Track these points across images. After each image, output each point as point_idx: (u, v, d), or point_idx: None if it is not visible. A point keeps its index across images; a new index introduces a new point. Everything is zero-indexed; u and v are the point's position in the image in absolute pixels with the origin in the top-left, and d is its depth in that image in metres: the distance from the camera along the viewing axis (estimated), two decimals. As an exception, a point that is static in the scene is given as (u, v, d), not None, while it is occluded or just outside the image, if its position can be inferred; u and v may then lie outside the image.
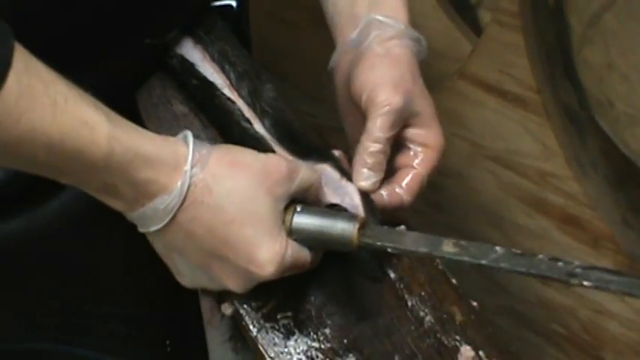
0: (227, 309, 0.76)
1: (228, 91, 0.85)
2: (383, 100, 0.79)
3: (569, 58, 1.19)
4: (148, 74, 0.89)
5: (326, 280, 0.77)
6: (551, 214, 1.28)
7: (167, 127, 0.86)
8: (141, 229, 0.70)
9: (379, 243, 0.71)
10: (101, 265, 0.91)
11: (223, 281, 0.71)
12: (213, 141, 0.83)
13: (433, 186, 1.45)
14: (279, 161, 0.72)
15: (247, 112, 0.84)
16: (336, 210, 0.75)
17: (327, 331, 0.74)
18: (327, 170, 0.78)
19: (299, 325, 0.74)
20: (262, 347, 0.74)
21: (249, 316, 0.75)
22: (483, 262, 0.67)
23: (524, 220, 1.31)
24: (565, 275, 0.66)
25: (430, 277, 0.79)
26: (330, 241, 0.72)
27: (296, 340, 0.74)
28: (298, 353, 0.73)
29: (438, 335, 0.76)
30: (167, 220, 0.68)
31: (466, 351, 0.75)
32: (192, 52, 0.87)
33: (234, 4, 0.96)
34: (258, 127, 0.83)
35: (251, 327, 0.74)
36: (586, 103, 1.19)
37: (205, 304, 0.89)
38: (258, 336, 0.74)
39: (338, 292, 0.76)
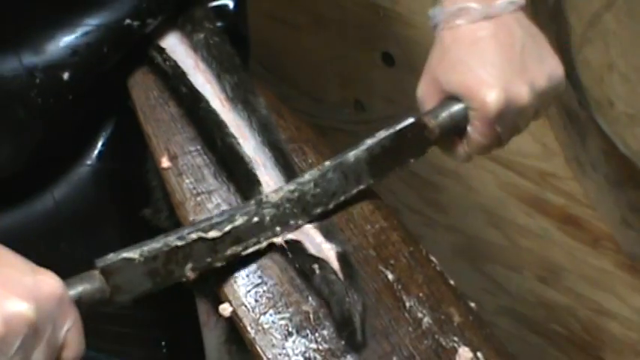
0: (225, 310, 0.76)
1: (218, 104, 0.85)
2: (484, 101, 0.78)
3: (569, 58, 1.19)
4: (134, 66, 0.88)
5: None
6: (551, 214, 1.28)
7: (165, 129, 0.86)
8: None
9: None
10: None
11: None
12: (202, 151, 0.83)
13: (433, 186, 1.46)
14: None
15: (236, 128, 0.83)
16: None
17: (325, 332, 0.74)
18: (311, 231, 0.77)
19: (297, 327, 0.74)
20: (260, 349, 0.74)
21: (247, 318, 0.75)
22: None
23: (524, 220, 1.31)
24: None
25: (428, 278, 0.79)
26: None
27: (294, 342, 0.74)
28: (296, 355, 0.73)
29: (436, 336, 0.76)
30: None
31: (464, 352, 0.75)
32: (185, 59, 0.87)
33: (230, 3, 0.96)
34: (248, 145, 0.82)
35: (249, 328, 0.74)
36: (586, 103, 1.19)
37: (202, 306, 0.89)
38: (256, 337, 0.74)
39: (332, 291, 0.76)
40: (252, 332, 0.74)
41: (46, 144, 0.85)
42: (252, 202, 0.76)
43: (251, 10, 1.01)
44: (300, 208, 0.77)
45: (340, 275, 0.74)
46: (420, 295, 0.78)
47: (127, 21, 0.84)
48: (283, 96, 1.49)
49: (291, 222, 0.76)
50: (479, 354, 0.75)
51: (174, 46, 0.88)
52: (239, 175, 0.81)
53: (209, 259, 0.73)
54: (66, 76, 0.82)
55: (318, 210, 0.78)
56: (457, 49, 0.80)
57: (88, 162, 0.88)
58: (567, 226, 1.27)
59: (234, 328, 0.76)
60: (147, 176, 0.87)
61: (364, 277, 0.77)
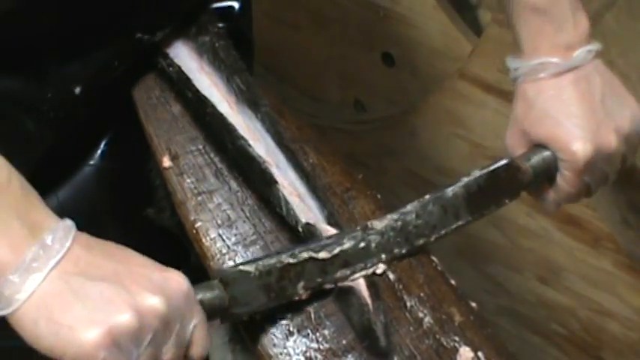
0: (227, 310, 0.76)
1: (226, 106, 0.85)
2: (573, 153, 0.81)
3: (569, 58, 1.19)
4: (140, 72, 0.89)
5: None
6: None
7: (166, 129, 0.86)
8: None
9: None
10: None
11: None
12: (203, 151, 0.84)
13: (433, 186, 1.45)
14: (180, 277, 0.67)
15: (246, 130, 0.83)
16: None
17: (326, 332, 0.75)
18: None
19: (298, 326, 0.74)
20: (261, 348, 0.74)
21: (248, 317, 0.75)
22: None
23: (524, 220, 1.31)
24: None
25: (429, 277, 0.79)
26: None
27: (295, 341, 0.74)
28: (297, 354, 0.73)
29: (437, 336, 0.76)
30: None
31: (465, 352, 0.75)
32: (189, 63, 0.87)
33: (236, 5, 0.95)
34: (258, 146, 0.83)
35: (250, 328, 0.74)
36: (586, 103, 1.19)
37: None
38: (258, 337, 0.74)
39: (336, 292, 0.76)
40: (253, 332, 0.74)
41: (52, 151, 0.85)
42: (358, 228, 0.77)
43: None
44: (403, 238, 0.79)
45: (369, 301, 0.75)
46: (421, 294, 0.78)
47: (138, 35, 0.85)
48: (283, 96, 1.50)
49: (396, 250, 0.78)
50: (480, 354, 0.75)
51: (178, 49, 0.88)
52: (254, 177, 0.81)
53: (319, 280, 0.75)
54: (77, 90, 0.83)
55: (421, 241, 0.80)
56: (542, 102, 0.82)
57: (91, 162, 0.89)
58: (567, 226, 1.27)
59: (237, 327, 0.76)
60: (149, 176, 0.88)
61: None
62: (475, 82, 1.29)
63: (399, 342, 0.75)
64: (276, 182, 0.80)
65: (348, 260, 0.76)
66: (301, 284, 0.74)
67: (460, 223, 0.81)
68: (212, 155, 0.84)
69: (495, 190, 0.83)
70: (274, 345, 0.74)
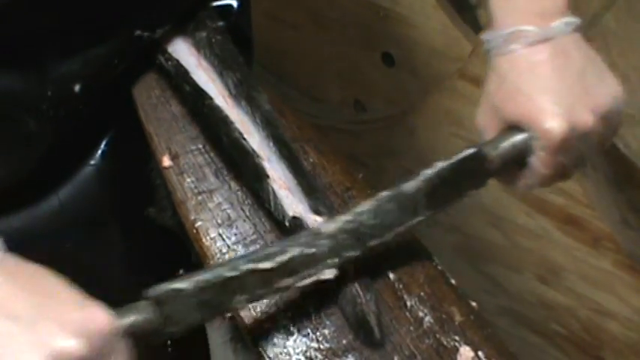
0: (227, 309, 0.76)
1: (222, 100, 0.85)
2: (547, 130, 0.75)
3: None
4: (140, 70, 0.89)
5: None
6: (551, 214, 1.28)
7: (166, 128, 0.86)
8: None
9: None
10: (100, 265, 0.91)
11: None
12: (203, 150, 0.83)
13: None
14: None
15: (240, 124, 0.83)
16: None
17: (326, 331, 0.74)
18: None
19: (298, 326, 0.74)
20: (261, 348, 0.74)
21: (249, 317, 0.75)
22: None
23: (524, 220, 1.31)
24: None
25: (429, 277, 0.79)
26: None
27: (295, 341, 0.74)
28: (297, 354, 0.73)
29: (437, 336, 0.76)
30: None
31: (465, 351, 0.75)
32: (187, 58, 0.87)
33: (234, 3, 0.95)
34: (252, 139, 0.82)
35: (250, 328, 0.74)
36: (586, 103, 1.19)
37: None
38: (258, 336, 0.74)
39: (336, 292, 0.76)
40: (253, 331, 0.74)
41: (53, 150, 0.85)
42: (307, 233, 0.74)
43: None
44: (355, 239, 0.74)
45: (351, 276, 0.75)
46: (422, 294, 0.78)
47: (138, 32, 0.84)
48: (283, 96, 1.50)
49: (347, 254, 0.74)
50: (480, 353, 0.75)
51: (177, 44, 0.88)
52: (246, 170, 0.81)
53: (261, 291, 0.71)
54: (77, 87, 0.83)
55: (374, 242, 0.75)
56: (514, 77, 0.77)
57: (92, 162, 0.89)
58: (567, 226, 1.27)
59: (238, 326, 0.76)
60: (150, 175, 0.88)
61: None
62: (475, 82, 1.29)
63: (400, 341, 0.75)
64: (267, 176, 0.79)
65: (294, 268, 0.72)
66: (242, 297, 0.70)
67: (418, 219, 0.76)
68: (212, 154, 0.84)
69: (459, 182, 0.78)
70: (274, 345, 0.74)
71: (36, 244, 0.85)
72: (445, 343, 0.75)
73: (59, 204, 0.86)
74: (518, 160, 0.78)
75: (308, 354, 0.73)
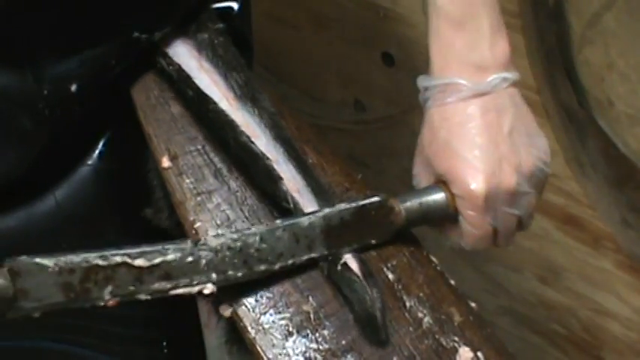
0: (225, 310, 0.76)
1: (226, 103, 0.85)
2: (470, 190, 0.75)
3: (569, 58, 1.19)
4: (139, 72, 0.89)
5: (324, 280, 0.77)
6: (551, 214, 1.28)
7: (165, 129, 0.86)
8: None
9: None
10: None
11: None
12: (202, 151, 0.83)
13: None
14: None
15: (246, 127, 0.83)
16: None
17: (326, 332, 0.74)
18: None
19: (297, 327, 0.74)
20: (260, 349, 0.74)
21: (247, 318, 0.75)
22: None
23: (524, 220, 1.31)
24: None
25: (429, 277, 0.79)
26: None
27: (294, 342, 0.74)
28: (297, 355, 0.73)
29: (437, 336, 0.76)
30: None
31: (465, 352, 0.75)
32: (188, 61, 0.87)
33: (235, 6, 0.95)
34: (259, 142, 0.82)
35: (249, 328, 0.74)
36: (586, 103, 1.19)
37: (202, 307, 0.89)
38: (256, 337, 0.74)
39: (336, 293, 0.76)
40: (252, 332, 0.74)
41: (49, 149, 0.85)
42: (189, 240, 0.73)
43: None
44: (241, 260, 0.73)
45: (359, 274, 0.75)
46: (421, 295, 0.78)
47: (136, 34, 0.84)
48: (283, 96, 1.50)
49: (230, 272, 0.73)
50: (479, 354, 0.75)
51: (177, 47, 0.88)
52: (257, 173, 0.81)
53: (132, 288, 0.70)
54: (73, 87, 0.83)
55: (262, 267, 0.74)
56: (446, 131, 0.76)
57: (89, 162, 0.89)
58: (567, 226, 1.27)
59: (234, 328, 0.76)
60: (148, 176, 0.88)
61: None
62: (475, 82, 1.29)
63: (399, 342, 0.75)
64: (281, 178, 0.80)
65: (170, 273, 0.71)
66: (109, 289, 0.69)
67: (313, 255, 0.75)
68: (211, 155, 0.84)
69: (361, 228, 0.77)
70: (273, 345, 0.74)
71: (32, 243, 0.85)
72: (444, 343, 0.75)
73: (56, 204, 0.86)
74: (444, 216, 0.79)
75: (307, 355, 0.73)
